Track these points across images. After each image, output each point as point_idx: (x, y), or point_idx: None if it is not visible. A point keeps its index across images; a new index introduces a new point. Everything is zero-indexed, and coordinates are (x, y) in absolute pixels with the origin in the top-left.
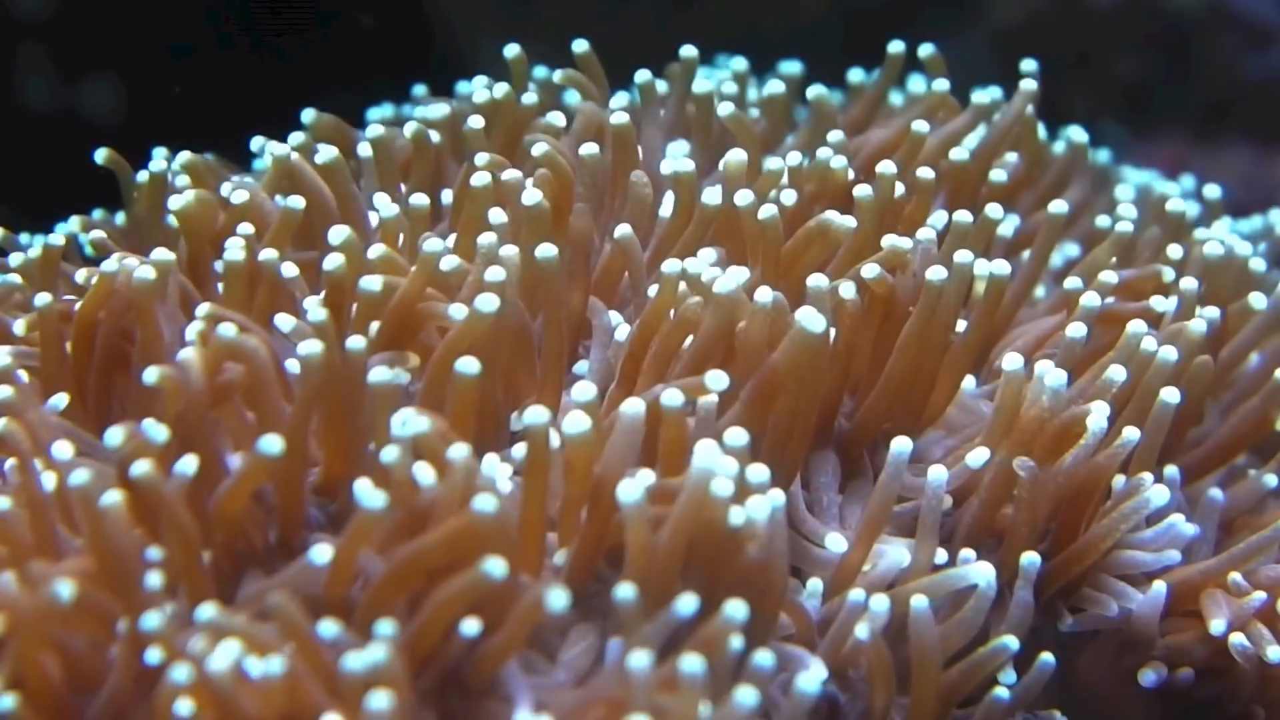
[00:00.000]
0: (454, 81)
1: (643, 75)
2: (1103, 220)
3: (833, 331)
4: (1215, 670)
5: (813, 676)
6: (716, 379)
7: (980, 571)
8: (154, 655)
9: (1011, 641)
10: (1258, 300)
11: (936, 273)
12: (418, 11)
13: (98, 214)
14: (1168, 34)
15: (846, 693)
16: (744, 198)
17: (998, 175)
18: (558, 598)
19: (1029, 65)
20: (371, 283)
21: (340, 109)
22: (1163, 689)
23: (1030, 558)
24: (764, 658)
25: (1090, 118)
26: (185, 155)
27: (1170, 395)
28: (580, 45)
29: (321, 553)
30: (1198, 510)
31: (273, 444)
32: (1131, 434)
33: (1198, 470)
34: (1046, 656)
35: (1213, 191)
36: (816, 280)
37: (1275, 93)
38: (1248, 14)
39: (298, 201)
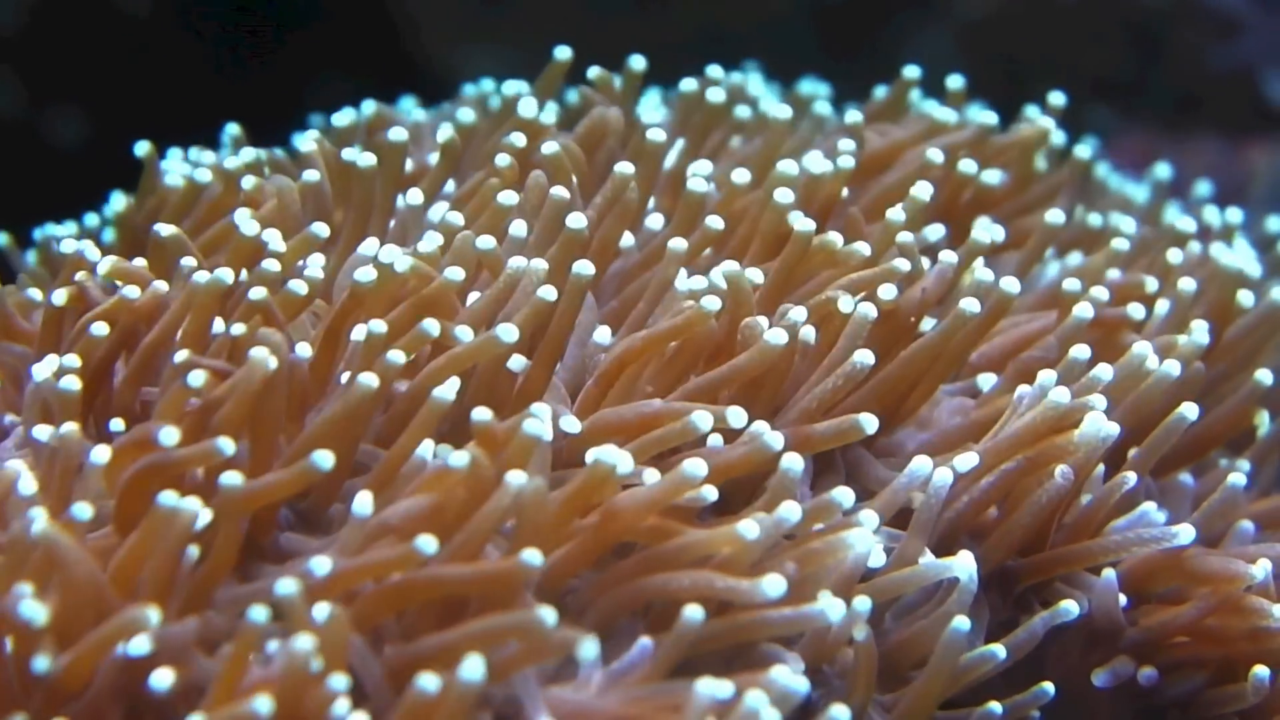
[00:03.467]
0: (419, 80)
1: (689, 84)
2: (1094, 219)
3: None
4: (1186, 663)
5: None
6: (737, 415)
7: (962, 564)
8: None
9: (999, 650)
10: (1245, 297)
11: (970, 304)
12: (381, 10)
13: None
14: (1136, 26)
15: (820, 688)
16: (784, 195)
17: (989, 178)
18: (589, 648)
19: (1056, 99)
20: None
21: (306, 107)
22: (1127, 687)
23: (1069, 605)
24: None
25: (1068, 107)
26: (249, 179)
27: (1190, 410)
28: (638, 62)
29: (320, 564)
30: (1168, 497)
31: (325, 459)
32: (1111, 429)
33: (1171, 463)
34: (1046, 685)
35: (1234, 216)
36: (866, 310)
37: (1244, 83)
38: (1215, 5)
39: (322, 229)
